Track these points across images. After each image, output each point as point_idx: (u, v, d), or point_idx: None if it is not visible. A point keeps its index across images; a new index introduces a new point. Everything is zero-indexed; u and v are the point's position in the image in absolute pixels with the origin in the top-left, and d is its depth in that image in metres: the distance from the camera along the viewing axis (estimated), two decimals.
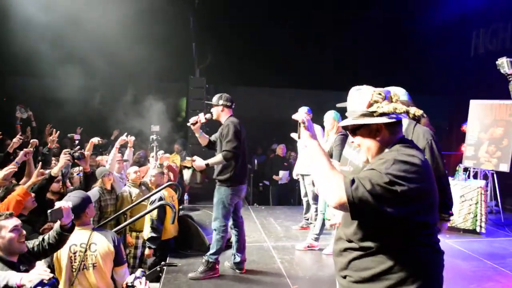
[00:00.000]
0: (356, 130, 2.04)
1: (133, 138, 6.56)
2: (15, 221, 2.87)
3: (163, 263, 5.04)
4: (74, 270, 3.21)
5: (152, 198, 5.22)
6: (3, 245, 2.80)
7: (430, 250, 1.91)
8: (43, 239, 3.01)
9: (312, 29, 12.26)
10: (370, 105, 1.96)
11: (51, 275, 2.59)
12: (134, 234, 5.66)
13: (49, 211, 2.90)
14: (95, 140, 6.24)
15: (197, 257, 5.25)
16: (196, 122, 4.68)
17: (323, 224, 5.72)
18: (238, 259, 4.93)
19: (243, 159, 4.70)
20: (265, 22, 11.75)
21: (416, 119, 3.02)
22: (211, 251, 4.74)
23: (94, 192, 5.24)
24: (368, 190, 1.73)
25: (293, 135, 2.20)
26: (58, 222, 2.97)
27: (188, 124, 4.75)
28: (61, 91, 10.25)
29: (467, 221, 6.87)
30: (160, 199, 5.15)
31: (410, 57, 11.69)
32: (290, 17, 12.06)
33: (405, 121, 3.18)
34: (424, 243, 1.88)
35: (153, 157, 6.88)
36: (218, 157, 4.58)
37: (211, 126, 5.02)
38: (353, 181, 1.77)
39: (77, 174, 5.53)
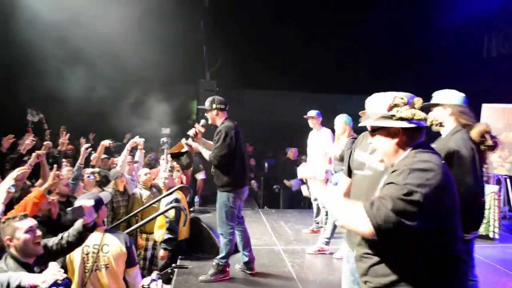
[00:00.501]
0: (375, 131, 2.06)
1: (142, 140, 6.58)
2: (30, 222, 2.89)
3: (174, 265, 5.05)
4: (86, 271, 3.24)
5: (168, 200, 5.23)
6: (18, 246, 2.82)
7: (450, 257, 1.88)
8: (61, 237, 3.03)
9: (319, 30, 12.27)
10: (390, 108, 1.97)
11: (65, 275, 2.61)
12: (144, 236, 5.70)
13: (69, 209, 2.92)
14: (106, 142, 6.29)
15: (208, 260, 5.25)
16: (196, 134, 4.70)
17: (334, 228, 5.70)
18: (246, 258, 4.94)
19: (241, 162, 4.71)
20: (275, 24, 11.78)
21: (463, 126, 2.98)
22: (221, 254, 4.76)
23: (106, 194, 5.27)
24: (391, 208, 1.73)
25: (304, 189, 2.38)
26: (80, 221, 2.99)
27: (189, 137, 4.76)
28: (69, 93, 10.38)
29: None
30: (176, 201, 5.16)
31: (420, 60, 11.65)
32: (304, 19, 12.07)
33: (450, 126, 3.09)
34: (443, 250, 1.86)
35: (163, 159, 6.92)
36: (206, 154, 4.63)
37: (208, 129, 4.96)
38: (372, 204, 1.78)
39: (88, 176, 5.58)
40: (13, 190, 3.22)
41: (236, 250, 5.12)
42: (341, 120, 5.50)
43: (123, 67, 10.32)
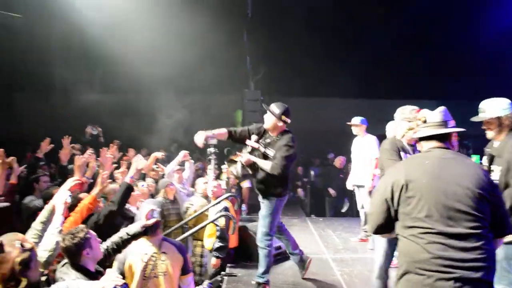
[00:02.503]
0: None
1: (183, 152, 6.63)
2: (92, 231, 3.07)
3: (223, 273, 5.15)
4: (145, 277, 3.36)
5: (218, 208, 5.32)
6: (92, 255, 2.98)
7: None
8: (116, 239, 3.19)
9: (359, 36, 12.18)
10: None
11: (123, 281, 2.73)
12: (199, 242, 5.80)
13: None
14: (158, 154, 6.52)
15: (256, 268, 5.29)
16: (252, 149, 4.62)
17: None
18: (298, 257, 4.96)
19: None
20: (317, 32, 11.79)
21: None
22: (260, 270, 4.62)
23: (158, 202, 5.50)
24: None
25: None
26: (140, 223, 3.16)
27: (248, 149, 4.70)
28: (115, 106, 10.81)
29: None
30: (225, 209, 5.25)
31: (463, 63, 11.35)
32: (344, 26, 12.03)
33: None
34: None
35: (211, 169, 7.03)
36: (268, 164, 4.42)
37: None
38: None
39: (142, 185, 5.79)
40: (69, 200, 3.39)
41: (275, 261, 5.12)
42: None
43: (167, 78, 10.62)
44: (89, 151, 5.59)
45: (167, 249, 3.44)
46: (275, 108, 4.50)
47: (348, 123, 6.57)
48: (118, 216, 3.92)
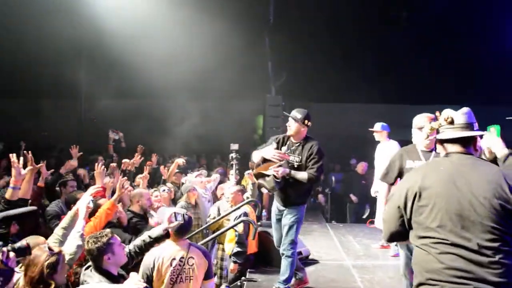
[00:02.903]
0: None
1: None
2: (117, 237, 3.15)
3: (243, 278, 5.18)
4: (171, 282, 3.40)
5: (237, 214, 5.36)
6: (114, 260, 3.06)
7: None
8: (129, 250, 3.26)
9: (379, 43, 12.12)
10: None
11: (145, 284, 2.80)
12: (221, 246, 5.85)
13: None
14: (180, 161, 6.63)
15: (276, 273, 5.29)
16: (281, 159, 4.48)
17: None
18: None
19: None
20: (339, 37, 11.77)
21: None
22: (283, 277, 4.58)
23: (181, 206, 5.60)
24: None
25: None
26: (161, 227, 3.24)
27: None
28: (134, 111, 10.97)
29: None
30: (245, 214, 5.29)
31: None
32: (366, 32, 11.98)
33: None
34: None
35: (232, 174, 7.08)
36: (305, 175, 4.41)
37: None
38: None
39: (163, 190, 5.88)
40: (92, 205, 3.50)
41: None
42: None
43: (185, 82, 10.75)
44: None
45: (194, 254, 3.48)
46: (297, 113, 4.57)
47: (370, 129, 6.54)
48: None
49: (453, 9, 10.82)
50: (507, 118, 2.86)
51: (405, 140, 4.80)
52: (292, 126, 4.58)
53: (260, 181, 4.61)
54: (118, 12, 10.06)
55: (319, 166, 4.42)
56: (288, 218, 4.60)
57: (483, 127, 2.93)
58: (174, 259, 3.42)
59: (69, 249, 3.02)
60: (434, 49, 11.83)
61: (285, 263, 4.59)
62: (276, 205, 4.80)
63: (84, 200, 3.42)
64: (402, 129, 5.55)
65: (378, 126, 6.48)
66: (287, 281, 4.60)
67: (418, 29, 11.60)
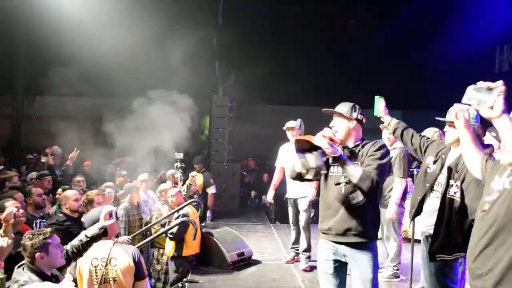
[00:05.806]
0: None
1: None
2: (58, 238, 3.03)
3: (185, 279, 5.12)
4: (95, 283, 3.30)
5: (177, 214, 5.29)
6: (47, 261, 2.92)
7: None
8: (67, 250, 3.14)
9: (329, 47, 12.46)
10: None
11: None
12: (161, 250, 5.73)
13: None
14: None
15: (218, 274, 5.29)
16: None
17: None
18: None
19: None
20: (288, 40, 11.95)
21: None
22: None
23: (120, 212, 5.46)
24: None
25: None
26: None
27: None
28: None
29: None
30: (184, 215, 5.22)
31: (430, 73, 11.74)
32: (310, 35, 12.26)
33: None
34: None
35: (177, 183, 6.88)
36: (358, 172, 3.03)
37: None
38: None
39: (108, 192, 5.69)
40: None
41: (238, 267, 5.19)
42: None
43: (136, 79, 10.52)
44: None
45: (117, 255, 3.38)
46: (342, 107, 3.35)
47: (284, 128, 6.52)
48: None
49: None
50: (436, 118, 2.95)
51: None
52: (338, 127, 3.30)
53: (298, 155, 3.12)
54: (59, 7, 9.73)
55: (382, 165, 3.09)
56: (358, 267, 3.17)
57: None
58: (96, 259, 3.32)
59: None
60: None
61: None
62: (323, 242, 3.34)
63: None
64: None
65: (292, 123, 6.39)
66: None
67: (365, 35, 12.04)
